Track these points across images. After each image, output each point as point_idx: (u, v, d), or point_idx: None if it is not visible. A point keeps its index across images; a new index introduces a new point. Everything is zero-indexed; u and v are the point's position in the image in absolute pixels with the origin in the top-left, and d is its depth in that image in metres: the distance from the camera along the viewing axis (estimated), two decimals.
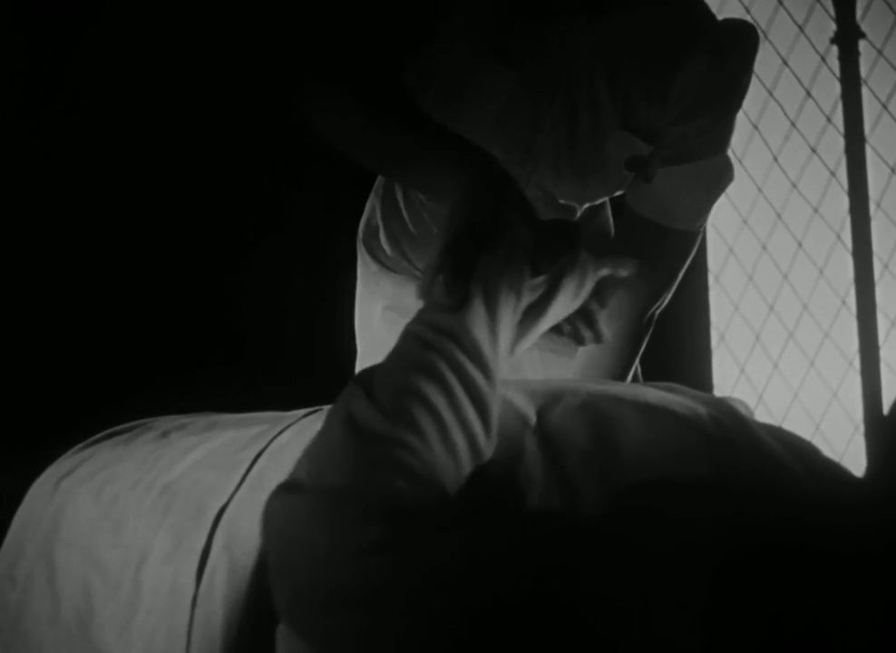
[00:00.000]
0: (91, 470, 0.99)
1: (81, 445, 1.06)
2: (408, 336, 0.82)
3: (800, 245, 2.41)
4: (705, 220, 1.42)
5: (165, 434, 1.01)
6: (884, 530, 0.60)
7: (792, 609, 0.58)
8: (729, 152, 1.41)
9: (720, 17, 1.39)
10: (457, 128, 1.26)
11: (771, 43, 2.37)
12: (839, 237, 2.38)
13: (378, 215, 1.57)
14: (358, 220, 1.63)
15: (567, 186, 1.40)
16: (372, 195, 1.61)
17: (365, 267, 1.61)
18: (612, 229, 1.59)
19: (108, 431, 1.07)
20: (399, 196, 1.54)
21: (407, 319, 1.52)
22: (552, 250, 0.86)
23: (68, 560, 0.94)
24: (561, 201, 1.47)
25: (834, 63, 2.39)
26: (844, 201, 2.38)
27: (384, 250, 1.57)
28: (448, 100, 1.30)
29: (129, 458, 0.99)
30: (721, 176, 1.37)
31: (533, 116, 1.32)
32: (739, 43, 1.33)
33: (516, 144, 1.35)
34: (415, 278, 1.54)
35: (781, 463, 0.71)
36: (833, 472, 0.74)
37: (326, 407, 0.97)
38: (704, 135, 1.33)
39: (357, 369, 1.63)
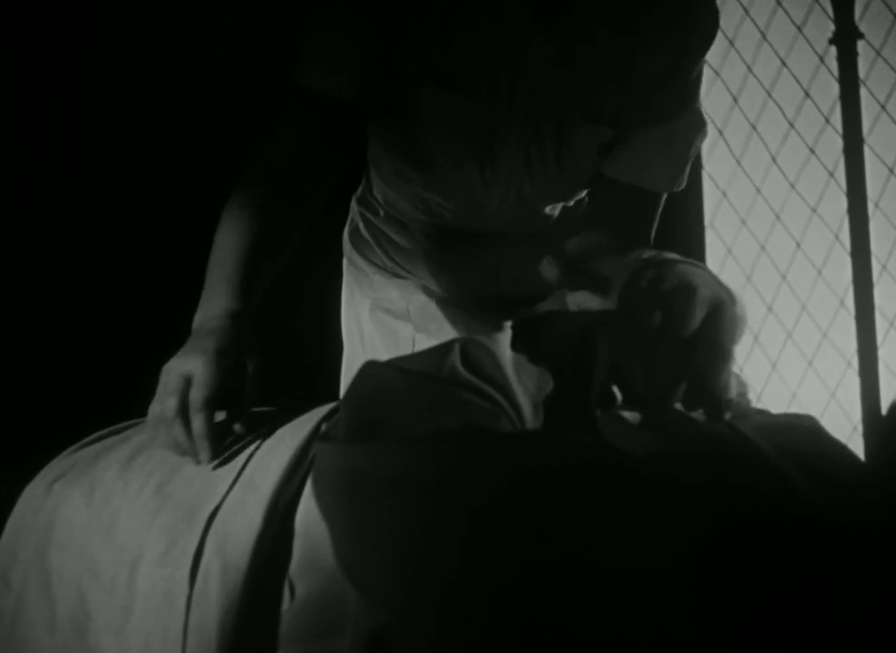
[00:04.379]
0: (83, 472, 0.99)
1: (74, 447, 1.06)
2: None
3: (798, 245, 2.41)
4: (683, 182, 1.37)
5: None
6: (880, 507, 0.61)
7: (783, 572, 0.59)
8: (703, 111, 1.36)
9: (720, 17, 1.37)
10: (428, 150, 1.33)
11: (769, 43, 2.37)
12: (837, 237, 2.38)
13: (361, 224, 1.59)
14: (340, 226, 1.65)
15: (546, 187, 1.39)
16: (353, 201, 1.62)
17: (353, 267, 1.62)
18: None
19: (100, 432, 1.07)
20: (379, 209, 1.56)
21: (394, 318, 1.55)
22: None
23: (62, 564, 0.93)
24: (547, 209, 1.48)
25: (833, 64, 2.38)
26: (843, 202, 2.38)
27: (375, 253, 1.58)
28: (402, 128, 1.33)
29: (121, 459, 0.99)
30: (695, 133, 1.34)
31: (493, 127, 1.32)
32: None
33: (482, 157, 1.35)
34: (402, 278, 1.57)
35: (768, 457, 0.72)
36: (836, 460, 0.74)
37: (319, 408, 0.97)
38: (671, 93, 1.29)
39: (344, 367, 1.65)
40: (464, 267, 1.54)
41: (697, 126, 1.34)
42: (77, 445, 1.06)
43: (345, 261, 1.65)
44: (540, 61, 1.26)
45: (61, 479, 1.00)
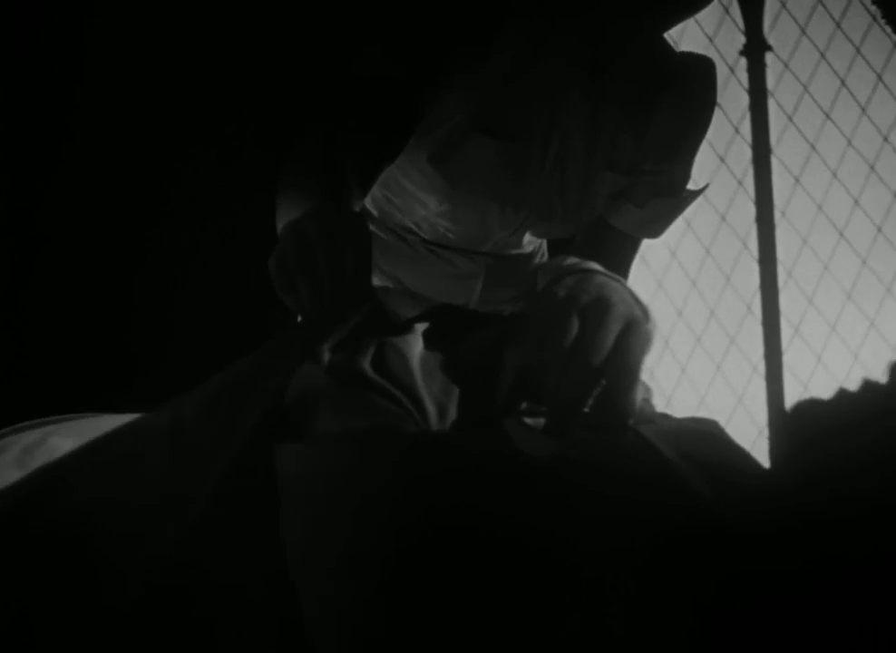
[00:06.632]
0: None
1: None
2: None
3: (708, 252, 2.45)
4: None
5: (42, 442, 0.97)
6: (787, 514, 0.62)
7: (706, 589, 0.60)
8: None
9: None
10: (454, 186, 1.36)
11: None
12: (745, 244, 2.43)
13: None
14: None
15: (556, 226, 1.47)
16: None
17: None
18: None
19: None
20: (374, 215, 1.56)
21: None
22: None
23: None
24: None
25: (743, 75, 2.44)
26: (751, 210, 2.44)
27: None
28: (441, 161, 1.35)
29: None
30: (694, 199, 1.50)
31: (523, 172, 1.38)
32: (696, 81, 1.41)
33: (508, 198, 1.40)
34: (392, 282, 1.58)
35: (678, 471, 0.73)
36: (739, 467, 0.75)
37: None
38: (675, 174, 1.45)
39: None
40: (448, 279, 1.57)
41: (697, 194, 1.49)
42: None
43: None
44: (575, 115, 1.35)
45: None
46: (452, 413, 0.78)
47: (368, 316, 0.86)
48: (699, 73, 1.42)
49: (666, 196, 1.45)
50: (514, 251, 1.57)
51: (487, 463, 0.67)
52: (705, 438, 0.80)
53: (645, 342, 0.78)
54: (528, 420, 0.76)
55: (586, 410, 0.75)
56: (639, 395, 0.77)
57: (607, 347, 0.75)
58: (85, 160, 2.20)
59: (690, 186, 1.50)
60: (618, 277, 0.86)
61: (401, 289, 1.55)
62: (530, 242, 1.58)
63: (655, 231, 1.50)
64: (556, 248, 1.64)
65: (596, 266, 0.87)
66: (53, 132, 2.23)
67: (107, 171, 2.20)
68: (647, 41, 1.36)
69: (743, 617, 0.59)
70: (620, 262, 1.50)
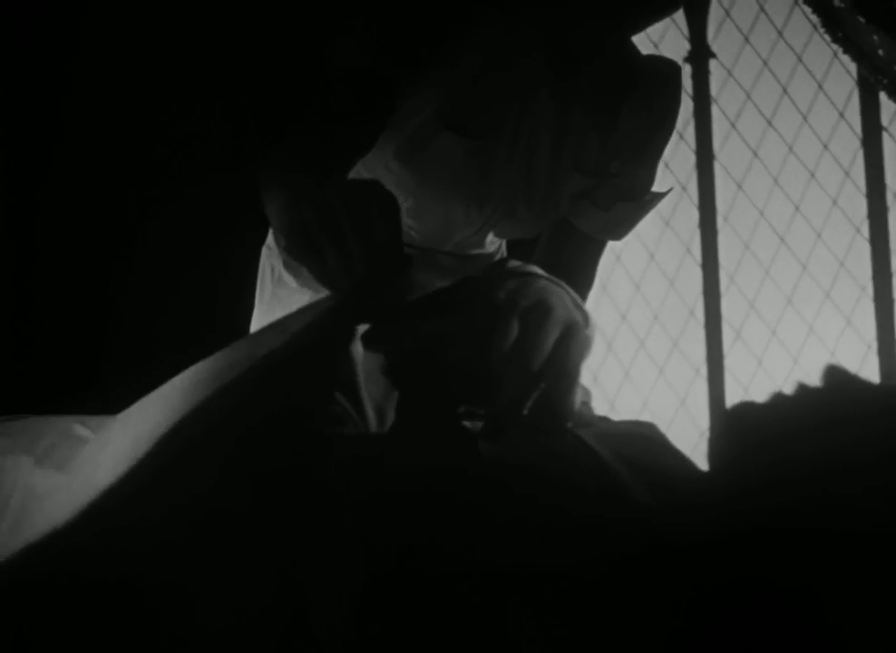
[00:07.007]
0: None
1: None
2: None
3: (651, 256, 2.48)
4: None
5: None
6: (724, 524, 0.62)
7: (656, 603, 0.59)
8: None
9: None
10: (421, 182, 1.35)
11: None
12: (688, 249, 2.46)
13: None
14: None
15: (519, 225, 1.47)
16: None
17: (280, 287, 1.59)
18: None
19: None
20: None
21: None
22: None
23: None
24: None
25: (688, 82, 2.47)
26: (695, 215, 2.46)
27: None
28: (408, 157, 1.34)
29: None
30: (658, 201, 1.50)
31: (489, 170, 1.37)
32: (662, 84, 1.41)
33: (473, 194, 1.40)
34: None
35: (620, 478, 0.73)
36: (676, 470, 0.75)
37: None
38: (639, 177, 1.45)
39: None
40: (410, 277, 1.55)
41: (660, 197, 1.49)
42: None
43: (267, 275, 1.61)
44: (543, 114, 1.35)
45: None
46: (391, 416, 0.77)
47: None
48: (665, 76, 1.42)
49: (629, 199, 1.45)
50: (476, 251, 1.57)
51: (434, 474, 0.66)
52: (643, 441, 0.80)
53: (584, 346, 0.78)
54: (466, 423, 0.76)
55: (525, 413, 0.75)
56: (578, 399, 0.77)
57: (545, 351, 0.75)
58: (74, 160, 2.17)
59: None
60: (559, 281, 0.85)
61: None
62: (491, 242, 1.57)
63: (618, 234, 1.50)
64: (519, 249, 1.64)
65: (537, 269, 0.86)
66: (50, 131, 2.20)
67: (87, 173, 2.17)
68: (615, 43, 1.37)
69: (684, 628, 0.59)
70: (584, 264, 1.49)
